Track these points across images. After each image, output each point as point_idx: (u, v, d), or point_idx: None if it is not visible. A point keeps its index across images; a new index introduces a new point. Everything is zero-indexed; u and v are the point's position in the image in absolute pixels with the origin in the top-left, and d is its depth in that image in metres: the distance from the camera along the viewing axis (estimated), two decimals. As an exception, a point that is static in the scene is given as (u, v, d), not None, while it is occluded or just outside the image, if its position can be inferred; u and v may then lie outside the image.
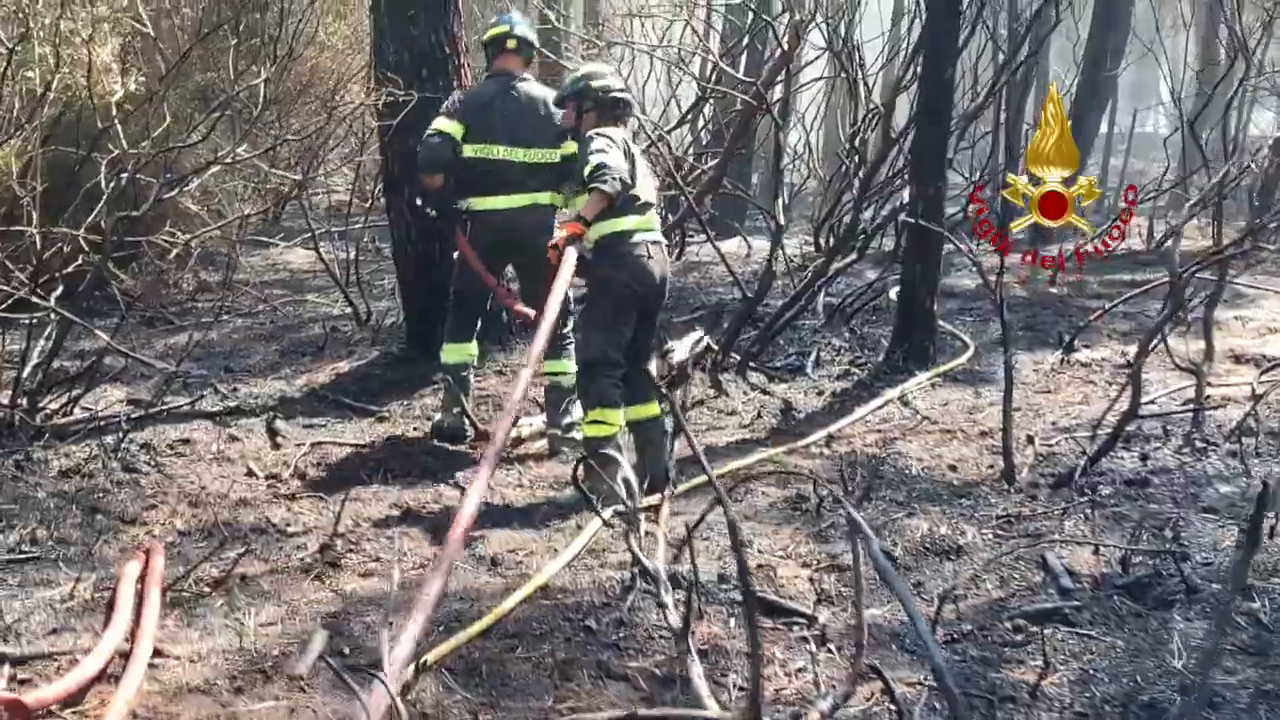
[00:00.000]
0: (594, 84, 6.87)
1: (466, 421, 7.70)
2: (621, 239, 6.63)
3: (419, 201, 7.86)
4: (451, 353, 7.88)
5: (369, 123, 10.33)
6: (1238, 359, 9.17)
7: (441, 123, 7.54)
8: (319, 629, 4.81)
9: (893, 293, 11.06)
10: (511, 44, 7.83)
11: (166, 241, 8.16)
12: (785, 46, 10.49)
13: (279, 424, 7.63)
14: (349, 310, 10.99)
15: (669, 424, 6.91)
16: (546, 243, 7.05)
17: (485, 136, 7.62)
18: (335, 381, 8.87)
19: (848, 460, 7.16)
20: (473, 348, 7.95)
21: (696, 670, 3.94)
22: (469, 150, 7.59)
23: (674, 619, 4.28)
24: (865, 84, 12.62)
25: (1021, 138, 15.61)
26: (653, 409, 6.86)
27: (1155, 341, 7.04)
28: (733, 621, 4.98)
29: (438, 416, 7.86)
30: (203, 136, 8.05)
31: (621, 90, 7.02)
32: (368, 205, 12.70)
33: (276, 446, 7.35)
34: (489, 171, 7.64)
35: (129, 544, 5.71)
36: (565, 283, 6.20)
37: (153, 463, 6.82)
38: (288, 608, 5.13)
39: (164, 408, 7.70)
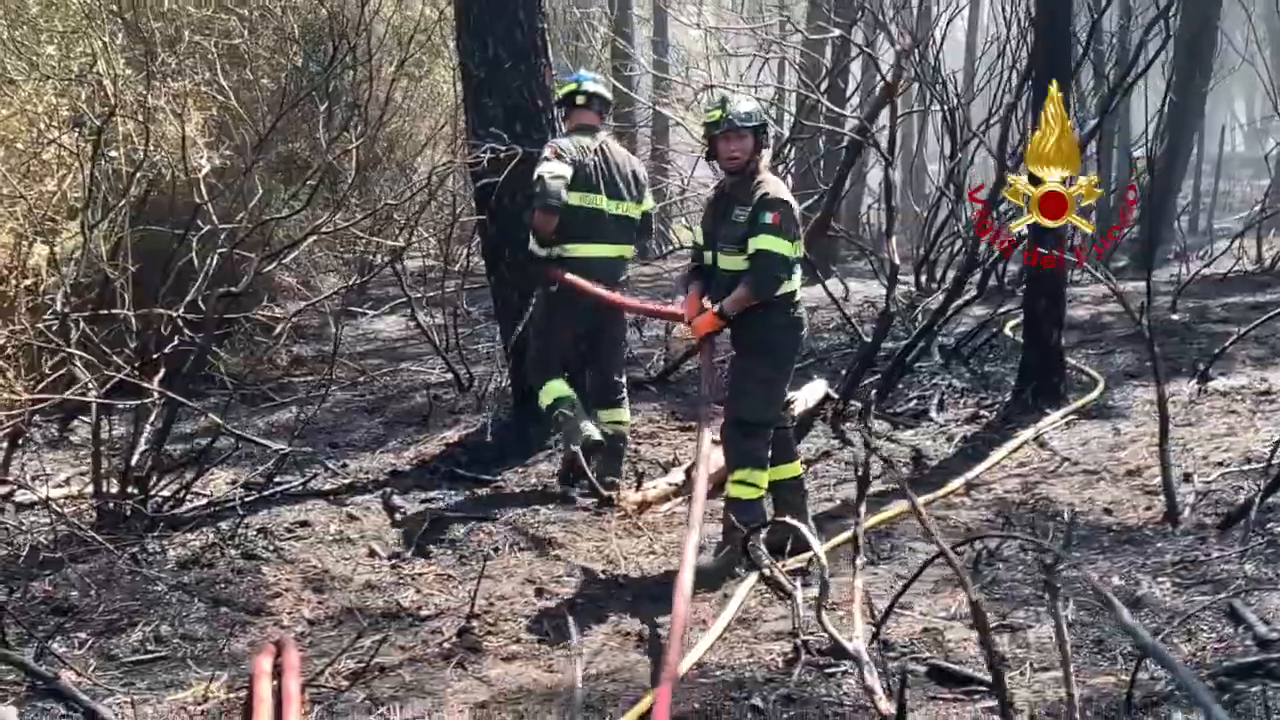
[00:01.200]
0: (767, 120, 6.54)
1: (593, 437, 7.55)
2: (790, 298, 6.34)
3: (532, 244, 7.71)
4: (548, 393, 7.77)
5: (448, 184, 10.05)
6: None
7: (556, 166, 7.45)
8: (470, 723, 4.51)
9: (1008, 328, 10.69)
10: (581, 100, 7.88)
11: (267, 318, 7.93)
12: (889, 80, 10.19)
13: (395, 500, 7.36)
14: (449, 377, 10.71)
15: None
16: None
17: (588, 185, 7.62)
18: (446, 452, 8.59)
19: (997, 509, 6.84)
20: (563, 384, 7.76)
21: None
22: (574, 198, 7.53)
23: (885, 706, 3.93)
24: (965, 114, 12.31)
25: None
26: (795, 468, 6.55)
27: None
28: (907, 695, 4.62)
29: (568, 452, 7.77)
30: (301, 207, 7.84)
31: None
32: (460, 268, 12.45)
33: (396, 524, 7.07)
34: (589, 220, 7.64)
35: (258, 637, 5.44)
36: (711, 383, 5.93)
37: (272, 548, 6.55)
38: (433, 700, 4.84)
39: (278, 489, 7.46)
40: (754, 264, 6.09)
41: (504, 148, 7.85)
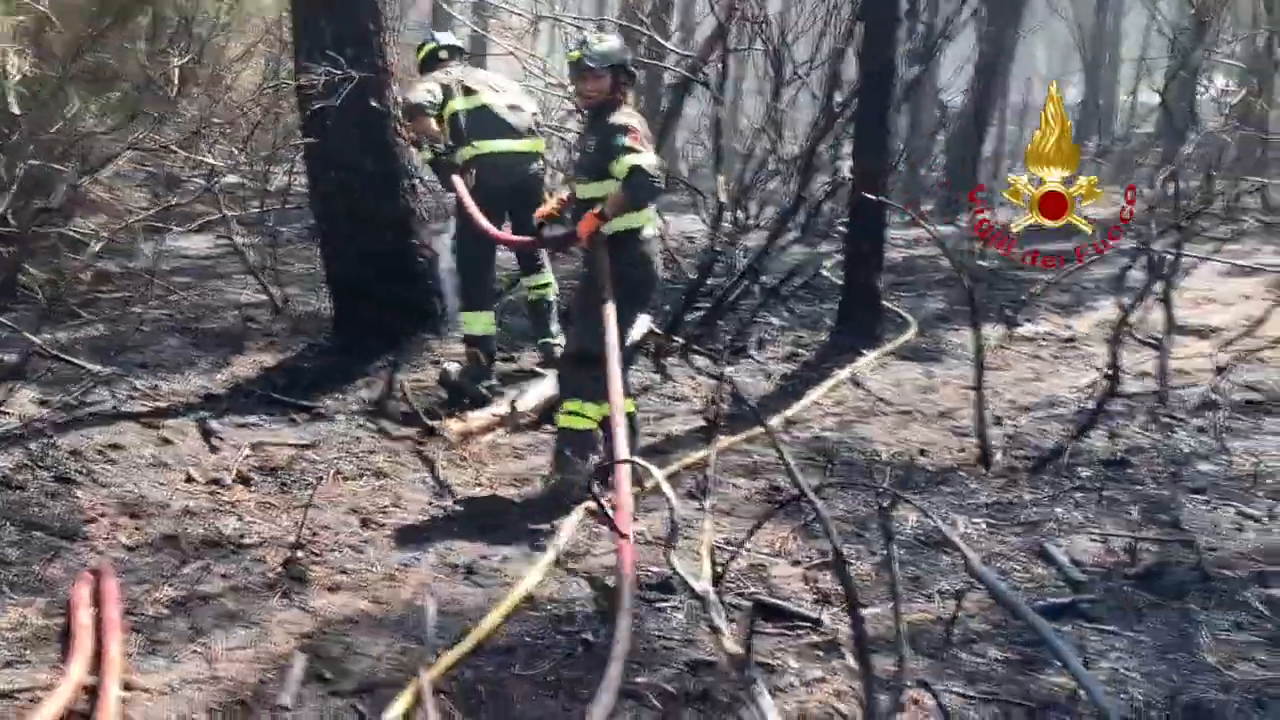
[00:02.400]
0: (629, 57, 6.54)
1: (487, 391, 7.91)
2: (637, 234, 6.36)
3: (419, 149, 8.01)
4: (473, 322, 8.06)
5: (263, 102, 9.79)
6: (1181, 330, 9.02)
7: (421, 87, 7.89)
8: (297, 653, 4.45)
9: (824, 268, 10.83)
10: (444, 54, 8.29)
11: (80, 233, 7.69)
12: (721, 19, 10.20)
13: (212, 424, 7.20)
14: (261, 298, 10.50)
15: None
16: (540, 191, 7.94)
17: (466, 92, 7.93)
18: (262, 375, 8.41)
19: (816, 447, 6.97)
20: (491, 316, 8.11)
21: (768, 703, 3.64)
22: (457, 104, 7.87)
23: (730, 645, 3.98)
24: (789, 54, 12.37)
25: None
26: (628, 404, 6.58)
27: (1141, 318, 6.96)
28: (735, 627, 4.70)
29: (450, 366, 8.10)
30: (121, 123, 7.58)
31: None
32: (277, 189, 12.18)
33: (214, 449, 6.91)
34: (482, 118, 7.91)
35: (74, 564, 5.28)
36: (606, 273, 6.08)
37: (84, 471, 6.34)
38: (257, 629, 4.75)
39: (89, 410, 7.22)
40: (629, 180, 6.04)
41: (338, 72, 7.72)
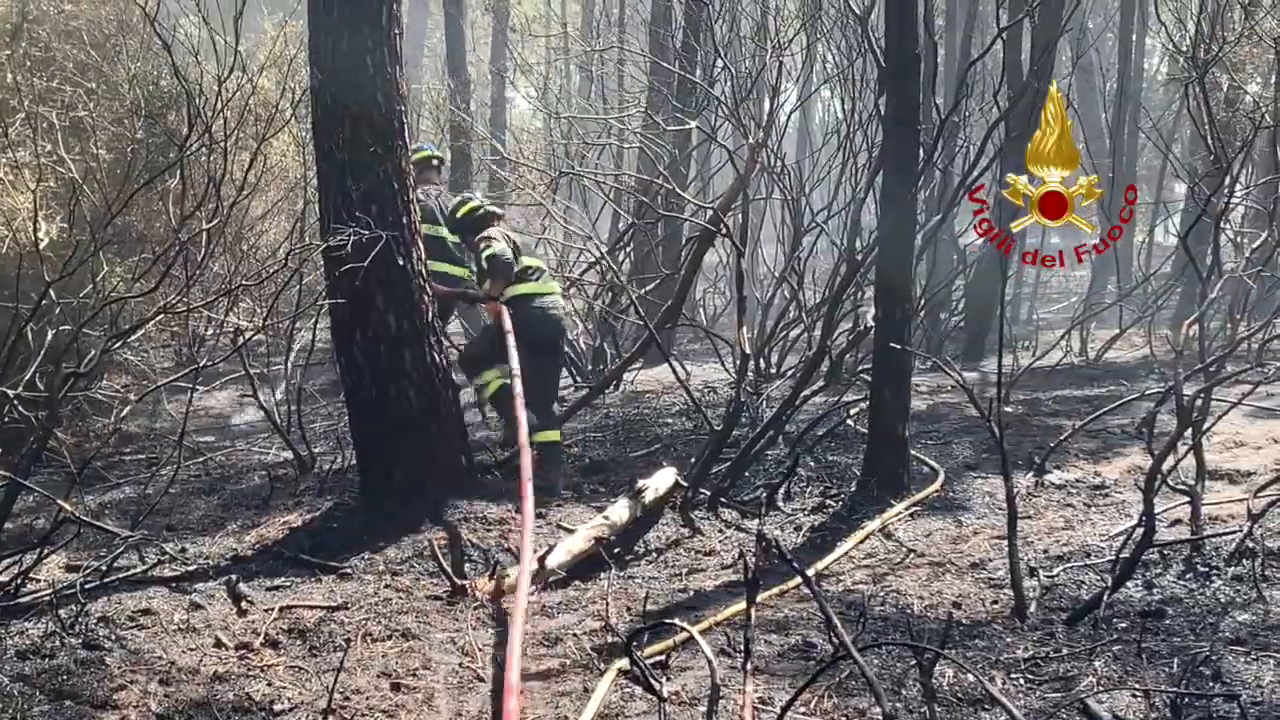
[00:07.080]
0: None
1: None
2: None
3: None
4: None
5: (291, 263, 9.89)
6: (1212, 475, 8.94)
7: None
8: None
9: (850, 417, 10.79)
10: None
11: (104, 396, 7.74)
12: (740, 171, 10.33)
13: (241, 587, 7.16)
14: (288, 456, 10.49)
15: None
16: None
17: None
18: (289, 536, 8.36)
19: (849, 600, 6.89)
20: None
21: None
22: None
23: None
24: (808, 203, 12.54)
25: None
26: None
27: (1171, 464, 6.90)
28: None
29: None
30: (153, 286, 7.64)
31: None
32: (301, 347, 12.25)
33: (242, 613, 6.87)
34: None
35: (104, 734, 5.24)
36: None
37: (114, 637, 6.31)
38: (292, 800, 4.70)
39: (119, 576, 7.20)
40: None
41: (365, 232, 7.78)
